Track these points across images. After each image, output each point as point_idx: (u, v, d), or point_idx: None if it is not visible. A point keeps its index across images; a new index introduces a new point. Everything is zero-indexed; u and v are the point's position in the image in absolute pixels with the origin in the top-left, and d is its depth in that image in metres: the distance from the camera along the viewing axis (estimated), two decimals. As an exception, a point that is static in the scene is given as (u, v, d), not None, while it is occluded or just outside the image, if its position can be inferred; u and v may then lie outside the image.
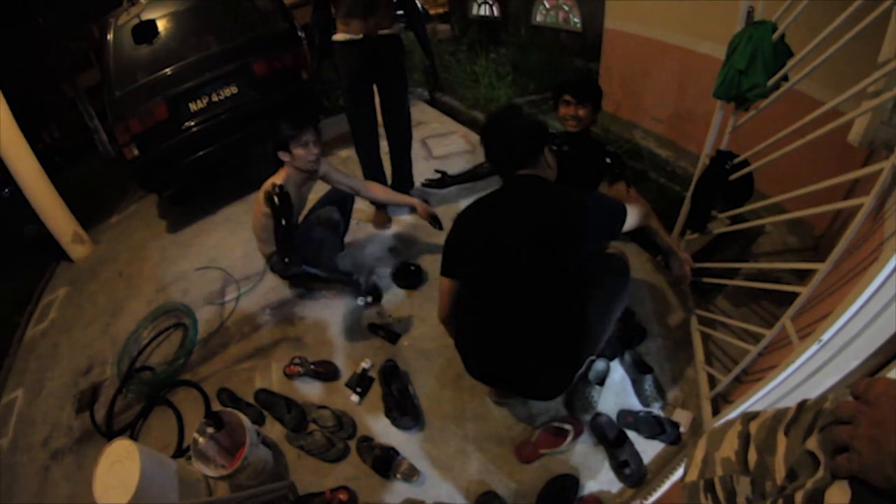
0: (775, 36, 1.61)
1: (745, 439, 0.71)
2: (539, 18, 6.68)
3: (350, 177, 2.33)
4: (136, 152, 3.17)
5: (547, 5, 6.55)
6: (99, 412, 2.20)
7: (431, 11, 17.06)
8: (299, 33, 3.58)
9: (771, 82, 1.63)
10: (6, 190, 10.45)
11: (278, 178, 2.02)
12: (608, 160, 1.88)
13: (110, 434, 2.05)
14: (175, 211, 3.89)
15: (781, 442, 0.63)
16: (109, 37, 3.19)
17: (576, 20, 6.16)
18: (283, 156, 2.00)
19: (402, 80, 2.51)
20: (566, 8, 6.29)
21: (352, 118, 2.59)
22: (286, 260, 1.94)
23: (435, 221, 2.23)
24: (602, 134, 3.83)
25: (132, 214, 4.38)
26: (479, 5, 7.83)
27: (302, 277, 2.28)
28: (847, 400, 0.53)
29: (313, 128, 2.02)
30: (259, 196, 2.05)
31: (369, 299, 2.27)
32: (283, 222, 1.92)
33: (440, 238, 1.50)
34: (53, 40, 8.80)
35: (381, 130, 2.70)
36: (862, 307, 1.02)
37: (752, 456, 0.67)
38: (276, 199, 1.92)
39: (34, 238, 4.09)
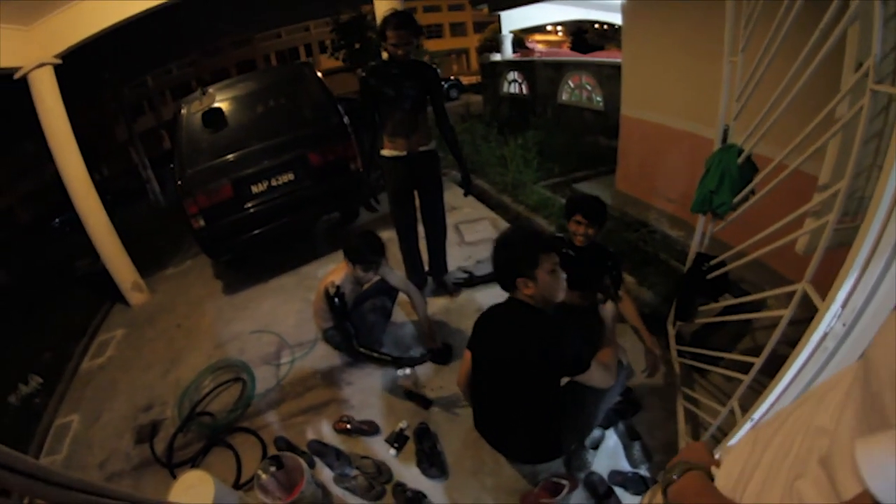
0: (741, 159, 2.07)
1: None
2: (564, 97, 7.38)
3: (404, 280, 2.81)
4: (202, 223, 3.79)
5: (571, 85, 7.26)
6: (158, 446, 2.62)
7: (465, 81, 18.28)
8: (345, 121, 4.20)
9: (737, 199, 2.09)
10: (56, 220, 11.47)
11: (337, 277, 2.53)
12: (609, 262, 2.31)
13: (171, 466, 2.46)
14: (229, 274, 4.51)
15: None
16: (183, 119, 3.84)
17: (598, 99, 6.80)
18: (350, 265, 2.50)
19: (439, 188, 3.05)
20: (589, 88, 6.96)
21: (396, 219, 3.09)
22: (356, 344, 2.51)
23: (439, 355, 2.74)
24: (620, 216, 4.28)
25: (187, 270, 5.05)
26: (510, 83, 8.60)
27: (358, 355, 2.69)
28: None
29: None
30: (320, 287, 2.58)
31: (407, 371, 2.71)
32: (340, 318, 2.49)
33: (468, 322, 1.96)
34: (113, 90, 9.97)
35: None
36: (783, 392, 1.43)
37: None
38: (335, 300, 2.45)
39: (85, 273, 4.67)
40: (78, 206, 4.07)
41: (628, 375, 2.08)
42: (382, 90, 2.67)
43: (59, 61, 3.73)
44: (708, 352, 2.10)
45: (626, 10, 4.41)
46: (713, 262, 2.22)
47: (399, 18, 2.52)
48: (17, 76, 3.62)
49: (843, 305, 1.29)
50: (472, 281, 3.18)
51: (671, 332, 2.55)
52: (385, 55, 2.75)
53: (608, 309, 1.89)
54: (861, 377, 0.53)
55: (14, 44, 3.48)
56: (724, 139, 2.32)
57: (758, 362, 1.59)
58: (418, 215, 3.13)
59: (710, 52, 3.22)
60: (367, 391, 2.67)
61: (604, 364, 1.70)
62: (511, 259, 1.71)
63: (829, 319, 1.31)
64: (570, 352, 1.64)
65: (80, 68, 4.19)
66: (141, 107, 22.89)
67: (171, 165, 3.90)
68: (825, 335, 1.32)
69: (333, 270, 2.62)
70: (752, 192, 2.08)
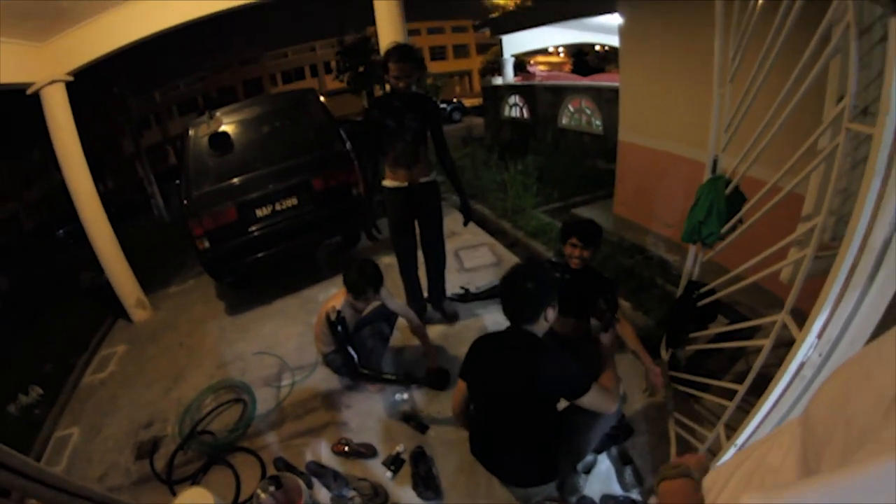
0: (728, 189, 2.14)
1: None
2: (565, 121, 7.51)
3: (403, 306, 2.87)
4: (206, 245, 3.87)
5: (571, 109, 7.41)
6: (158, 462, 2.67)
7: (468, 104, 18.54)
8: (347, 146, 4.29)
9: (725, 228, 2.16)
10: (60, 231, 11.59)
11: (337, 302, 2.60)
12: (604, 286, 2.36)
13: (170, 483, 2.50)
14: (232, 295, 4.60)
15: None
16: (190, 141, 3.94)
17: (597, 123, 6.93)
18: (345, 292, 2.58)
19: (439, 218, 3.13)
20: (588, 112, 7.11)
21: (397, 247, 3.17)
22: (359, 369, 2.57)
23: (437, 380, 2.74)
24: (617, 241, 4.35)
25: (190, 289, 5.14)
26: (511, 107, 8.76)
27: (359, 378, 2.76)
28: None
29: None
30: (321, 312, 2.65)
31: (405, 396, 2.78)
32: (342, 343, 2.54)
33: (466, 349, 2.00)
34: (121, 103, 10.25)
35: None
36: (764, 418, 1.49)
37: None
38: (338, 326, 2.51)
39: (89, 286, 4.72)
40: (84, 221, 4.18)
41: (622, 401, 2.14)
42: (384, 122, 2.77)
43: (70, 78, 3.86)
44: (697, 378, 2.15)
45: (623, 35, 4.54)
46: (703, 289, 2.28)
47: (401, 52, 2.62)
48: (29, 91, 3.75)
49: (819, 336, 1.36)
50: (468, 297, 3.23)
51: (664, 357, 2.61)
52: (388, 86, 2.86)
53: (606, 337, 1.94)
54: (803, 426, 0.61)
55: (27, 59, 3.61)
56: (714, 169, 2.40)
57: (741, 389, 1.66)
58: (419, 242, 3.21)
59: (707, 78, 3.32)
60: (365, 415, 2.73)
61: (606, 388, 1.75)
62: (542, 288, 1.74)
63: (806, 350, 1.38)
64: (572, 372, 1.70)
65: (89, 81, 4.32)
66: (147, 121, 23.26)
67: (178, 182, 4.00)
68: (802, 364, 1.39)
69: (334, 295, 2.70)
70: (741, 221, 2.16)
